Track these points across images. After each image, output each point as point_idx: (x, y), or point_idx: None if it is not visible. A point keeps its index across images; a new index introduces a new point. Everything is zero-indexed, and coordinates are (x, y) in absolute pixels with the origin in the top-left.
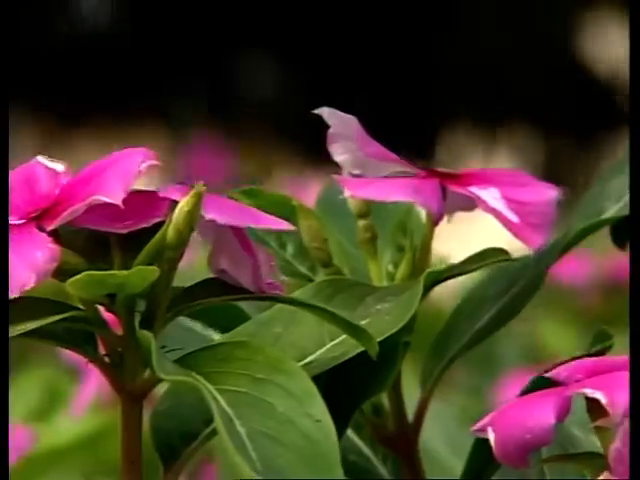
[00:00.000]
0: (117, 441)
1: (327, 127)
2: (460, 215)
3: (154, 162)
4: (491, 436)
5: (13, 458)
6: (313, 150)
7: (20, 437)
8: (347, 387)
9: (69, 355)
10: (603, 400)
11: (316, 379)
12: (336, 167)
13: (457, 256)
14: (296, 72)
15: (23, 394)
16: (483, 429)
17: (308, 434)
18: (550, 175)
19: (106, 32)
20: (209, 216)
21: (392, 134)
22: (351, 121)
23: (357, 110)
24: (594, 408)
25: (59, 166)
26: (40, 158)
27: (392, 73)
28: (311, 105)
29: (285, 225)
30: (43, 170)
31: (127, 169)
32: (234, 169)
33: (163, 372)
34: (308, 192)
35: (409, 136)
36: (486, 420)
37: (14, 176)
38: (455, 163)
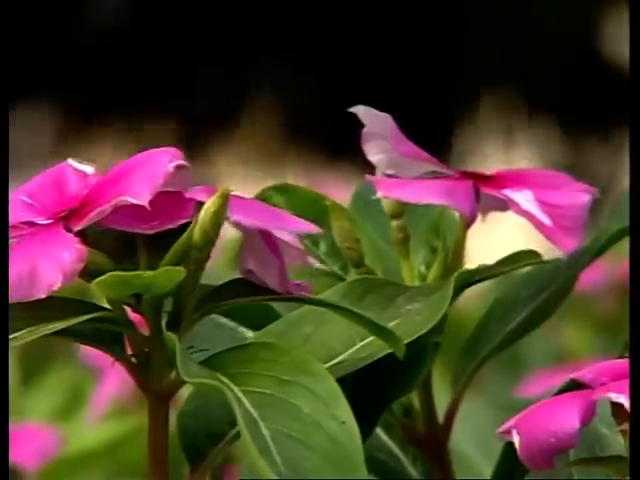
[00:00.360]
0: (140, 445)
1: (344, 126)
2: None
3: (181, 162)
4: (516, 439)
5: (40, 461)
6: (327, 147)
7: (46, 440)
8: (377, 387)
9: (89, 355)
10: (627, 404)
11: (345, 379)
12: (353, 164)
13: (483, 255)
14: (309, 70)
15: (47, 394)
16: (508, 432)
17: (334, 436)
18: (571, 169)
19: (122, 31)
20: (234, 218)
21: (411, 127)
22: (386, 119)
23: (374, 104)
24: (619, 412)
25: (89, 168)
26: (70, 160)
27: (411, 66)
28: (324, 102)
29: (313, 228)
30: (72, 172)
31: (154, 170)
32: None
33: (187, 375)
34: (323, 188)
35: (429, 129)
36: (511, 423)
37: (43, 177)
38: (475, 156)
